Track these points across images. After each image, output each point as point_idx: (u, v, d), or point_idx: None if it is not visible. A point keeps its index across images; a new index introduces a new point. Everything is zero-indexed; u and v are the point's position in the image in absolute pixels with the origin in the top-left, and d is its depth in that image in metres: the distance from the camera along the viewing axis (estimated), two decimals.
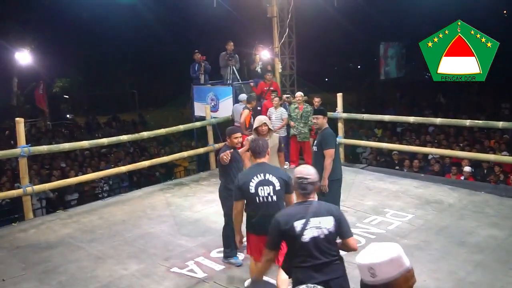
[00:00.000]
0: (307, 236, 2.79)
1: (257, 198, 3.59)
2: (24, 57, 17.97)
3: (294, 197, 3.42)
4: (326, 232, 2.82)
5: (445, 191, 6.87)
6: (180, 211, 6.49)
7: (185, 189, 7.63)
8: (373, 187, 7.24)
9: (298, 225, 2.79)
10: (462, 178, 8.51)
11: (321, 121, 5.13)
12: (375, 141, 11.51)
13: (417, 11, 20.28)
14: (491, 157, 8.12)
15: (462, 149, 9.82)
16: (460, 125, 10.22)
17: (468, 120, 8.33)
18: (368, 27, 24.07)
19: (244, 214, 3.79)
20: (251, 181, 3.59)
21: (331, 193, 4.97)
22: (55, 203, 8.99)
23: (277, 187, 3.61)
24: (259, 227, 3.60)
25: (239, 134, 4.79)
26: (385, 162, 10.52)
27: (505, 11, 26.23)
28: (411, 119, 8.89)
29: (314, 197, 2.94)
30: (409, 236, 5.30)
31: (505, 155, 9.15)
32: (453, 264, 4.51)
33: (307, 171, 2.92)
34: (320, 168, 4.87)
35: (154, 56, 25.66)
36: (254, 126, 5.02)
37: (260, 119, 5.08)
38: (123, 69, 26.93)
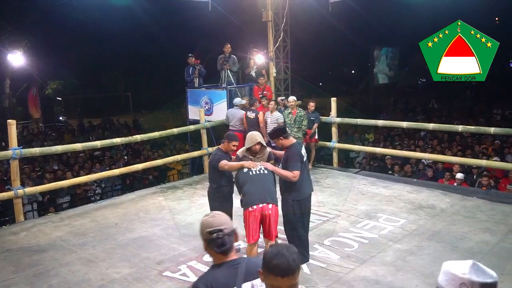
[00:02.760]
0: None
1: (250, 172, 4.45)
2: (16, 59, 17.85)
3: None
4: None
5: (438, 196, 6.91)
6: (173, 215, 6.46)
7: (179, 193, 7.61)
8: (366, 192, 7.26)
9: None
10: (455, 184, 8.54)
11: (280, 142, 4.73)
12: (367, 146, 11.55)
13: (412, 17, 20.47)
14: (483, 162, 8.17)
15: (455, 154, 9.87)
16: (453, 131, 10.31)
17: (461, 126, 8.39)
18: (362, 32, 24.24)
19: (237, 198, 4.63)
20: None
21: (295, 214, 4.68)
22: (46, 206, 8.91)
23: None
24: (248, 202, 4.32)
25: (237, 143, 4.93)
26: (378, 167, 10.56)
27: (497, 18, 26.55)
28: (404, 124, 8.94)
29: (234, 254, 2.24)
30: (401, 241, 5.32)
31: (497, 161, 9.23)
32: None
33: (218, 220, 2.21)
34: (284, 187, 4.69)
35: (149, 58, 25.63)
36: (246, 146, 4.90)
37: (252, 138, 4.81)
38: (117, 71, 26.86)
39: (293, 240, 4.77)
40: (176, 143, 13.92)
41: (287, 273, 1.76)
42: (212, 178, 4.86)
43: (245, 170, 4.44)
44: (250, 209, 4.30)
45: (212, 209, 4.89)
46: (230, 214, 4.90)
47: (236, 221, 5.28)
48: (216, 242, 2.14)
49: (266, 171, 4.47)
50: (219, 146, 5.00)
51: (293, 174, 4.53)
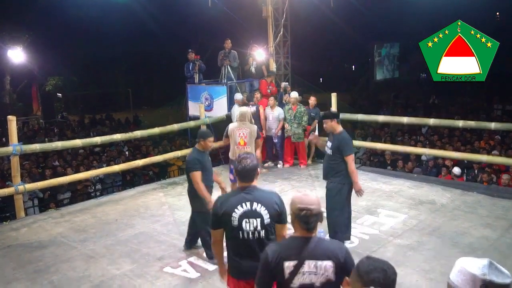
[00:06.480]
0: (296, 283, 2.26)
1: (240, 233, 2.88)
2: (17, 55, 17.82)
3: (286, 229, 3.00)
4: (323, 280, 2.26)
5: (438, 192, 6.91)
6: (173, 211, 6.47)
7: (179, 188, 7.60)
8: (366, 187, 7.20)
9: (288, 266, 2.26)
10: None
11: (329, 124, 4.95)
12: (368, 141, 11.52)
13: (412, 12, 20.41)
14: (483, 157, 8.17)
15: (457, 150, 9.85)
16: (453, 126, 10.29)
17: (461, 121, 8.38)
18: (363, 27, 24.20)
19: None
20: (234, 211, 2.88)
21: (342, 197, 4.90)
22: (47, 202, 8.92)
23: (266, 220, 2.88)
24: (241, 269, 2.96)
25: (212, 138, 4.83)
26: (378, 162, 10.55)
27: (497, 13, 26.48)
28: (405, 119, 8.92)
29: (316, 233, 2.39)
30: (402, 236, 5.32)
31: (496, 155, 9.23)
32: (446, 264, 4.53)
33: (310, 200, 2.36)
34: (331, 171, 4.93)
35: (149, 55, 25.58)
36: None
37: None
38: (117, 67, 26.81)
39: (335, 225, 4.91)
40: (177, 139, 13.88)
41: None
42: (189, 179, 4.78)
43: (235, 223, 2.87)
44: (233, 277, 3.04)
45: (193, 207, 4.88)
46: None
47: None
48: (302, 218, 2.31)
49: (263, 234, 2.89)
50: (196, 146, 4.84)
51: (352, 159, 4.82)
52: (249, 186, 2.94)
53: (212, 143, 4.84)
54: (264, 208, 2.87)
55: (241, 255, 2.93)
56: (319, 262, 2.26)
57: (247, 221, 2.86)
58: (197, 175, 4.60)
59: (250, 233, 2.87)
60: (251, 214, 2.86)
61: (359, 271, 1.74)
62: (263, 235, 2.87)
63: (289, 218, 2.54)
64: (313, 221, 2.32)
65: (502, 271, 1.59)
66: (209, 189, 4.84)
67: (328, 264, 2.26)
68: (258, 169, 3.03)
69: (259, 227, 2.86)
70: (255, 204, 2.87)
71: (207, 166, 4.78)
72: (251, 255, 2.86)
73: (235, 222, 2.86)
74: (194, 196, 4.79)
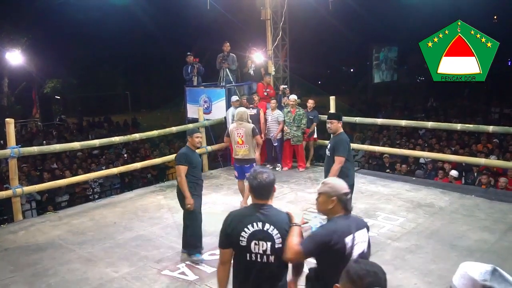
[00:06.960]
0: (355, 254, 2.45)
1: (248, 255, 2.60)
2: (15, 57, 17.79)
3: None
4: (367, 245, 2.57)
5: (436, 195, 6.92)
6: (172, 213, 6.45)
7: None
8: (365, 190, 7.26)
9: (348, 241, 2.44)
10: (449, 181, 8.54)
11: (335, 125, 5.05)
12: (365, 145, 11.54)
13: (411, 16, 20.47)
14: (481, 161, 8.19)
15: (455, 153, 9.86)
16: (451, 129, 10.32)
17: (459, 124, 8.40)
18: (361, 30, 24.25)
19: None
20: (244, 230, 2.59)
21: None
22: (45, 204, 8.90)
23: (278, 244, 2.57)
24: None
25: (200, 134, 5.14)
26: (377, 165, 10.57)
27: (495, 16, 26.60)
28: (403, 122, 8.94)
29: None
30: (400, 239, 5.32)
31: (495, 159, 9.24)
32: (444, 267, 4.53)
33: (345, 184, 2.67)
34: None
35: (148, 57, 25.59)
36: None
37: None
38: (116, 70, 26.80)
39: None
40: (175, 142, 13.87)
41: None
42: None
43: (243, 243, 2.58)
44: None
45: (182, 205, 4.97)
46: (199, 204, 5.03)
47: (205, 218, 5.16)
48: (347, 202, 2.58)
49: (272, 259, 2.58)
50: (187, 144, 5.11)
51: (339, 161, 4.85)
52: (265, 204, 2.64)
53: (199, 139, 5.10)
54: (277, 231, 2.57)
55: (247, 278, 2.61)
56: (362, 231, 2.56)
57: (257, 243, 2.57)
58: (182, 168, 4.84)
59: (259, 256, 2.58)
60: (262, 235, 2.57)
61: (351, 276, 1.72)
62: (272, 260, 2.57)
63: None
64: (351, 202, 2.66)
65: (506, 279, 1.53)
66: (198, 187, 5.02)
67: (365, 230, 2.59)
68: (275, 185, 2.70)
69: (268, 251, 2.57)
70: (267, 225, 2.58)
71: (194, 162, 4.98)
72: (257, 280, 2.58)
73: (244, 242, 2.58)
74: (182, 199, 4.94)
